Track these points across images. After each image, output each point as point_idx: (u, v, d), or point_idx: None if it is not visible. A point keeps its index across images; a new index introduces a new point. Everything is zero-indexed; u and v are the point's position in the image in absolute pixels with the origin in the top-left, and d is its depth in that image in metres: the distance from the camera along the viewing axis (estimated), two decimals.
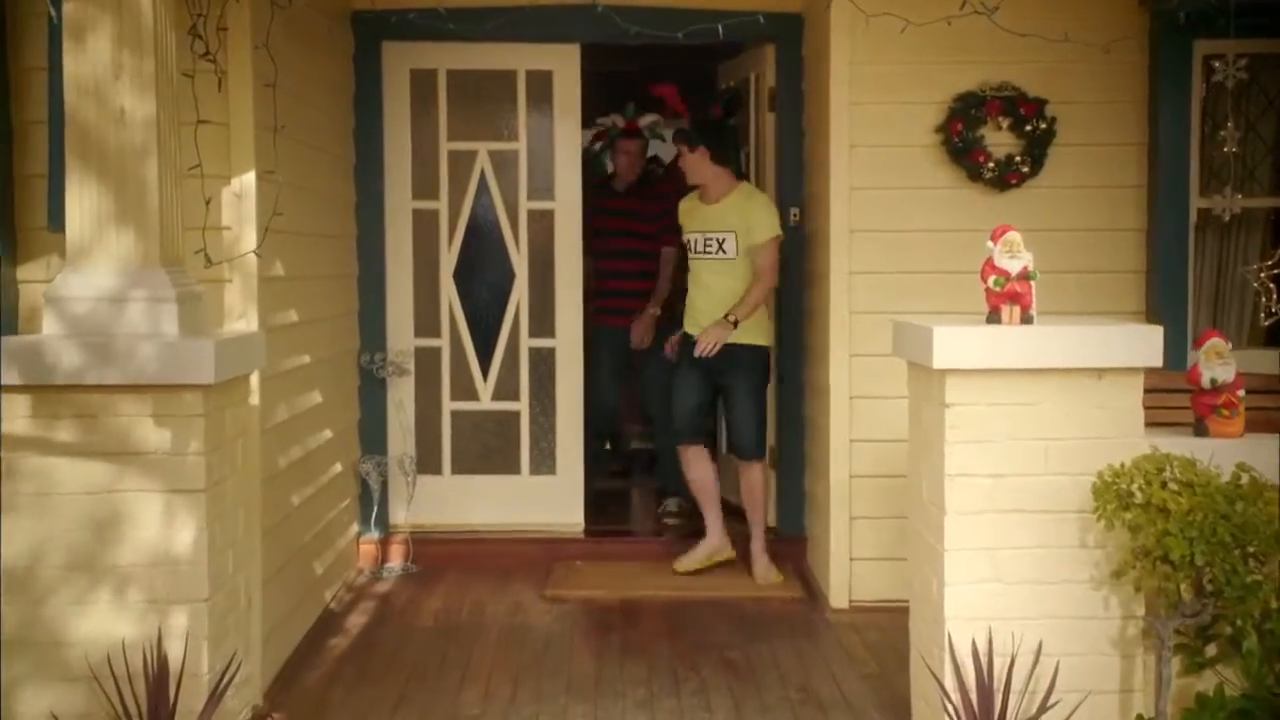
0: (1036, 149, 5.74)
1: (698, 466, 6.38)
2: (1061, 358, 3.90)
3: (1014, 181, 5.75)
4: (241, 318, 4.70)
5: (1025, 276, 4.01)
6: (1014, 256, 4.01)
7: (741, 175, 6.47)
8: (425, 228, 6.80)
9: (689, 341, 6.22)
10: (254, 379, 4.63)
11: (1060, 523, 3.93)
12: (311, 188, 5.70)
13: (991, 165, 5.72)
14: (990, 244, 4.05)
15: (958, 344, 3.91)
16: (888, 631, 5.50)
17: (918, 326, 4.06)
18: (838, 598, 5.89)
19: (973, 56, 5.75)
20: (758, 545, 6.32)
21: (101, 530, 3.84)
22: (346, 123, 6.50)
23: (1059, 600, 3.93)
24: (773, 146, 6.76)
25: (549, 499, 6.90)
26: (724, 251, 6.13)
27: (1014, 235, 4.04)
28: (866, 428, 5.85)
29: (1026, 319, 4.00)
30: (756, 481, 6.30)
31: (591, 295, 7.22)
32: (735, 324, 6.04)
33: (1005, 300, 4.01)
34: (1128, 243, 5.83)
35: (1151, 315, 5.71)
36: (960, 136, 5.73)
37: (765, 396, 6.38)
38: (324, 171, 5.96)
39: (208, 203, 4.20)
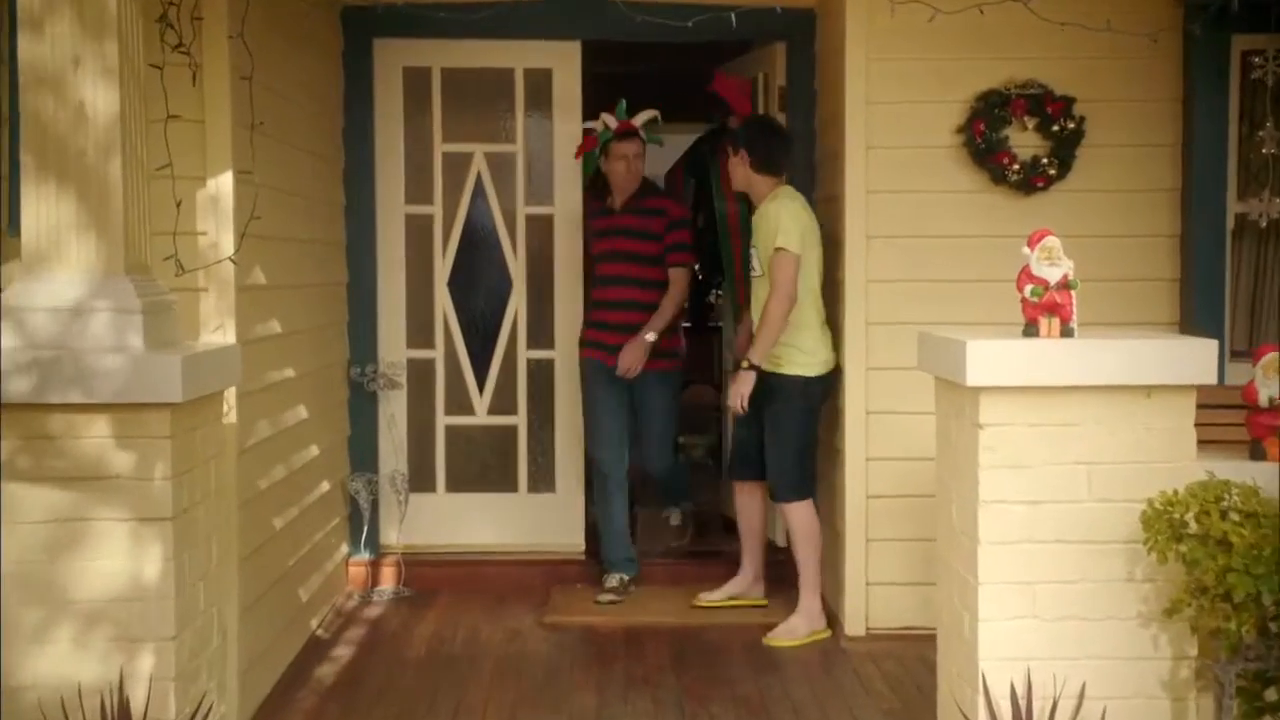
0: (1064, 150, 5.45)
1: (739, 502, 5.95)
2: (1106, 374, 3.61)
3: (1040, 185, 5.47)
4: (218, 329, 4.40)
5: (1065, 285, 3.72)
6: (1053, 263, 3.71)
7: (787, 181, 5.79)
8: (418, 233, 6.56)
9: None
10: (231, 395, 4.33)
11: (1105, 554, 3.63)
12: (297, 190, 5.41)
13: (1016, 167, 5.44)
14: (1027, 250, 3.75)
15: (993, 359, 3.62)
16: (907, 662, 5.23)
17: (948, 339, 3.76)
18: (854, 625, 5.58)
19: (996, 52, 5.48)
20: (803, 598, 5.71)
21: (60, 562, 3.52)
22: (336, 123, 6.24)
23: (1104, 639, 3.63)
24: None
25: (548, 519, 6.63)
26: (755, 269, 5.66)
27: (1053, 240, 3.74)
28: (884, 445, 5.55)
29: (1066, 331, 3.71)
30: (794, 527, 5.67)
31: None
32: (751, 367, 5.43)
33: (1043, 311, 3.72)
34: (1160, 249, 5.55)
35: (1186, 326, 5.43)
36: (983, 137, 5.44)
37: (805, 433, 5.60)
38: (311, 174, 5.68)
39: (178, 205, 3.89)
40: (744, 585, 6.00)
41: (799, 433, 5.58)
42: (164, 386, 3.49)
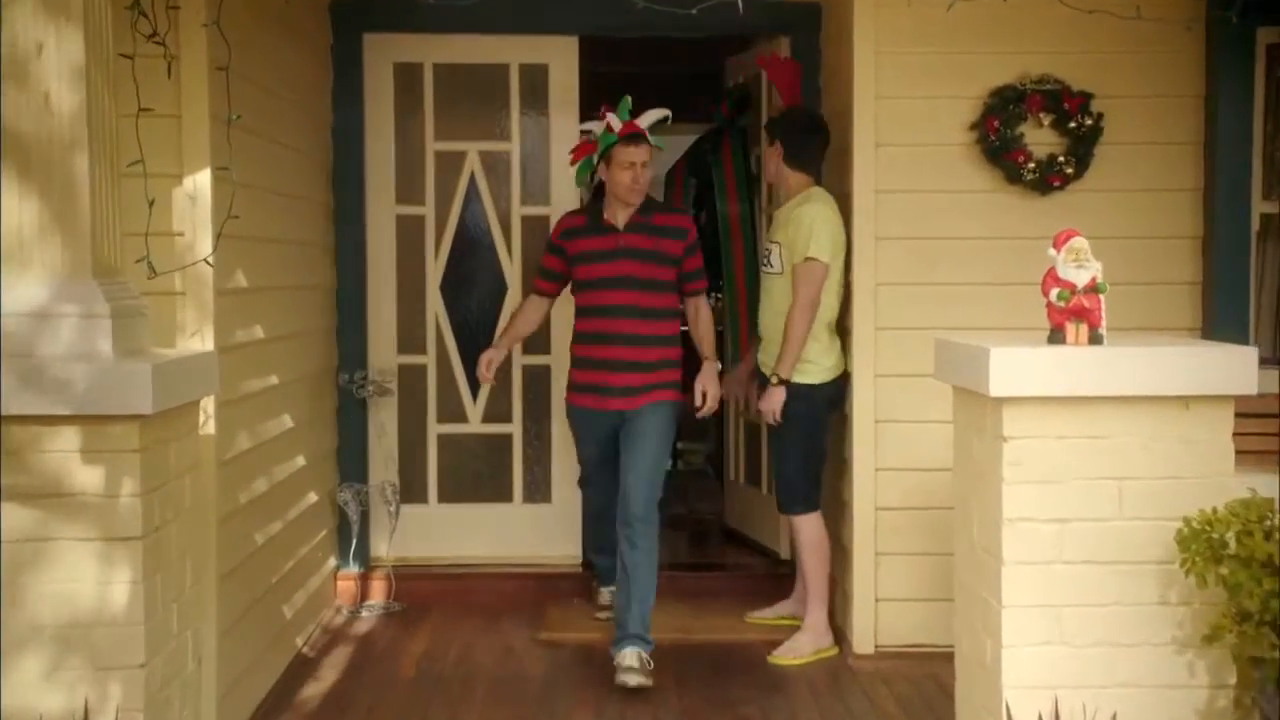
0: (1081, 148, 5.24)
1: (798, 532, 5.52)
2: (1139, 383, 3.40)
3: (1057, 184, 5.26)
4: (195, 335, 4.18)
5: (1094, 289, 3.51)
6: (1080, 265, 3.51)
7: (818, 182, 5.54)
8: (410, 235, 6.36)
9: (762, 380, 5.51)
10: (208, 405, 4.10)
11: (1137, 576, 3.42)
12: (282, 190, 5.19)
13: (1032, 166, 5.23)
14: (1053, 251, 3.55)
15: (1018, 367, 3.40)
16: (919, 683, 5.02)
17: (970, 346, 3.54)
18: (862, 643, 5.36)
19: (1011, 46, 5.27)
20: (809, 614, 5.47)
21: (21, 585, 3.29)
22: (324, 121, 6.03)
23: (1136, 666, 3.42)
24: None
25: (543, 530, 6.42)
26: (770, 265, 5.48)
27: (1080, 241, 3.53)
28: (894, 456, 5.34)
29: (1095, 338, 3.51)
30: (801, 540, 5.45)
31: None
32: (781, 381, 5.26)
33: (1070, 316, 3.52)
34: (1182, 251, 5.33)
35: (1208, 331, 5.23)
36: (997, 134, 5.23)
37: (811, 442, 5.38)
38: (297, 173, 5.46)
39: (151, 204, 3.65)
40: (798, 605, 5.69)
41: (805, 442, 5.37)
42: (133, 397, 3.28)
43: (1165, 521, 3.37)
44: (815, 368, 5.33)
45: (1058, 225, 4.92)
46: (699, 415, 5.46)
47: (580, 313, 5.45)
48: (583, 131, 5.51)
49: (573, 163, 5.51)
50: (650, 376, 5.30)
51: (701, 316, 5.52)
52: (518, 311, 5.77)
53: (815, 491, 5.43)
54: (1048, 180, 5.24)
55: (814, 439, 5.41)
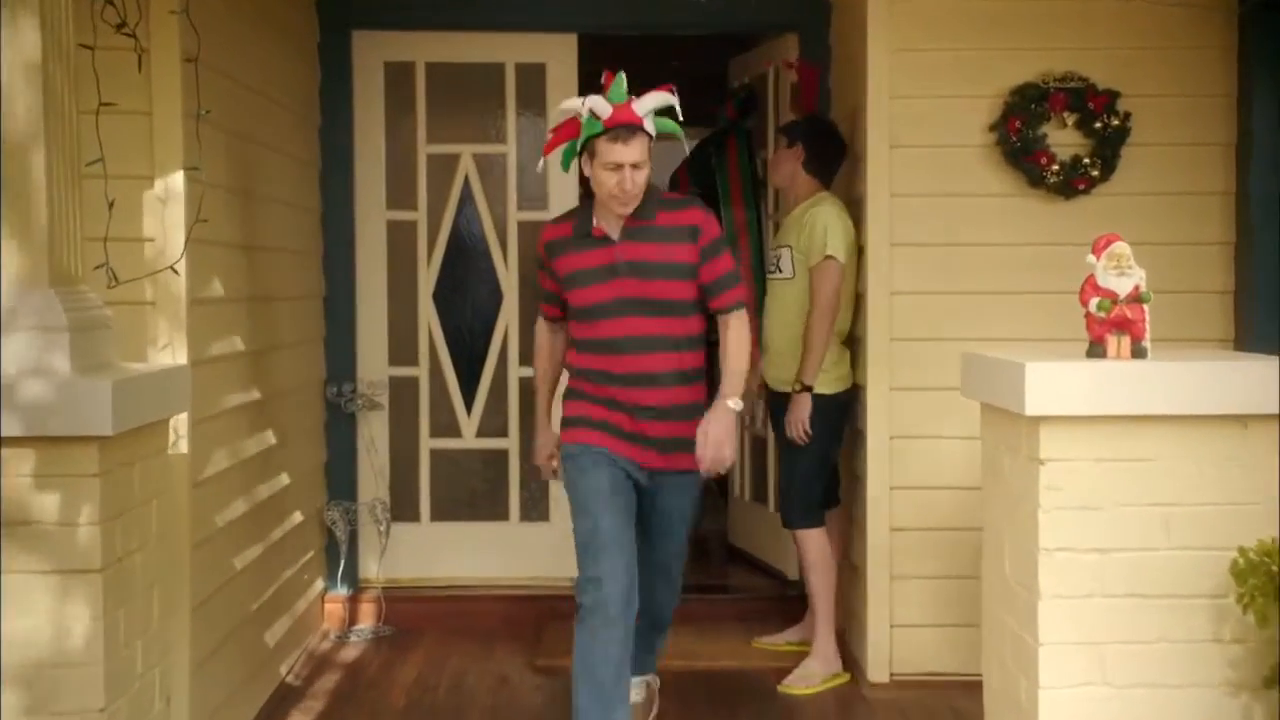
0: (1108, 149, 5.00)
1: (803, 550, 5.23)
2: (1189, 402, 3.14)
3: (1081, 187, 5.01)
4: (167, 348, 3.91)
5: (1137, 298, 3.25)
6: (1122, 273, 3.26)
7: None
8: (401, 241, 6.14)
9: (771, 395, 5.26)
10: (180, 423, 3.83)
11: (1187, 611, 3.16)
12: (264, 193, 4.94)
13: (1055, 168, 4.98)
14: (1091, 258, 3.31)
15: (1056, 384, 3.14)
16: (937, 714, 4.79)
17: (1002, 361, 3.28)
18: (876, 671, 5.09)
19: (1033, 41, 5.03)
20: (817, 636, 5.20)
21: None
22: (311, 121, 5.80)
23: (1186, 710, 3.16)
24: None
25: (541, 550, 6.17)
26: (780, 270, 5.23)
27: (1122, 246, 3.29)
28: (909, 473, 5.09)
29: (1139, 352, 3.25)
30: (807, 558, 5.15)
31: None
32: (805, 389, 4.98)
33: (1111, 328, 3.26)
34: (1213, 258, 5.08)
35: (1242, 342, 4.98)
36: (1018, 135, 4.99)
37: (818, 454, 5.11)
38: (281, 175, 5.21)
39: (111, 205, 3.39)
40: (809, 631, 5.40)
41: (819, 454, 5.12)
42: (91, 416, 3.01)
43: (1218, 552, 3.12)
44: (828, 376, 5.09)
45: (1082, 231, 4.80)
46: (701, 471, 4.11)
47: (578, 346, 4.22)
48: (562, 110, 4.12)
49: (547, 150, 4.21)
50: (673, 428, 4.13)
51: (731, 339, 4.13)
52: (538, 355, 4.55)
53: (820, 507, 5.19)
54: (1072, 183, 5.00)
55: (828, 451, 5.17)
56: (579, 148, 4.06)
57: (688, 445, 4.05)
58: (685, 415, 4.12)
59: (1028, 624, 3.22)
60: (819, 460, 5.15)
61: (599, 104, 3.96)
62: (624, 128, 3.95)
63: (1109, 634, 3.17)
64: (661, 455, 4.16)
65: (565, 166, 4.20)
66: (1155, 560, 3.16)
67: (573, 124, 4.06)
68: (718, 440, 4.00)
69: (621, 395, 4.12)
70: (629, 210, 4.06)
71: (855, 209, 5.18)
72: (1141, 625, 3.16)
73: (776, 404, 5.20)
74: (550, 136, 4.18)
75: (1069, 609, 3.16)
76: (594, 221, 4.13)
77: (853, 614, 5.36)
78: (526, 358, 6.07)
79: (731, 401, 4.05)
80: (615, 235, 4.11)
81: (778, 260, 5.23)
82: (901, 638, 5.11)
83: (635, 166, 3.97)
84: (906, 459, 5.09)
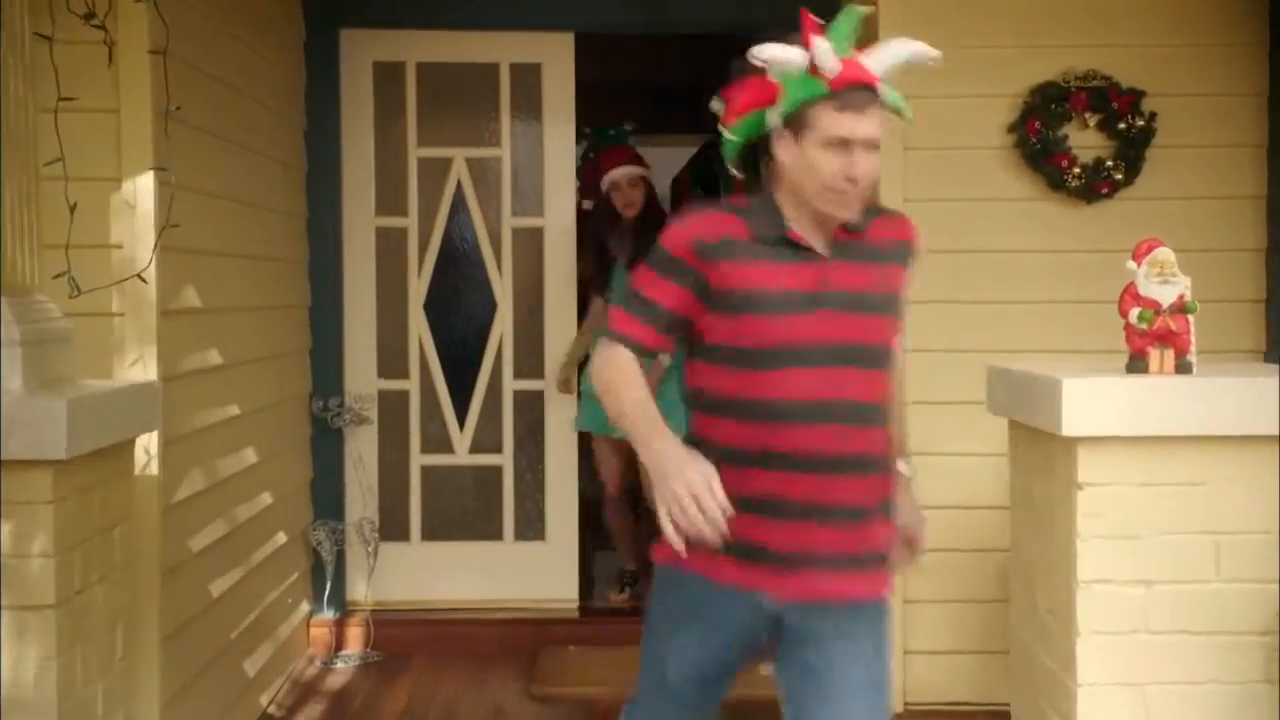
0: (1132, 151, 4.85)
1: None
2: (1240, 421, 3.01)
3: (1104, 191, 4.87)
4: (136, 362, 3.67)
5: (1181, 309, 3.05)
6: (1166, 281, 3.09)
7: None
8: (391, 249, 5.99)
9: None
10: (151, 443, 3.60)
11: (1238, 649, 3.04)
12: (246, 198, 4.74)
13: (1077, 171, 4.85)
14: (1132, 264, 3.15)
15: (1096, 401, 2.98)
16: None
17: (1035, 376, 3.09)
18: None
19: (1053, 39, 4.89)
20: None
21: None
22: (296, 123, 5.60)
23: None
24: None
25: (537, 570, 6.03)
26: None
27: (1165, 253, 3.11)
28: (926, 492, 4.70)
29: (1184, 366, 3.05)
30: None
31: None
32: None
33: (1154, 341, 3.08)
34: (1242, 265, 4.92)
35: (1274, 354, 4.82)
36: (1038, 136, 4.85)
37: None
38: (263, 179, 5.01)
39: (73, 209, 3.18)
40: None
41: None
42: (44, 438, 2.81)
43: (1271, 585, 2.98)
44: None
45: (1105, 237, 4.65)
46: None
47: (710, 407, 2.74)
48: (750, 60, 2.67)
49: (729, 118, 2.76)
50: (867, 537, 2.73)
51: (901, 379, 2.96)
52: (625, 386, 2.69)
53: None
54: (1094, 187, 4.86)
55: None
56: (783, 117, 2.64)
57: (881, 564, 2.79)
58: (877, 515, 2.76)
59: (1064, 662, 3.03)
60: None
61: (825, 53, 2.59)
62: (859, 88, 2.64)
63: (1153, 674, 3.04)
64: (852, 577, 2.72)
65: (732, 152, 2.79)
66: (1204, 594, 3.04)
67: (762, 85, 2.69)
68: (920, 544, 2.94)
69: (802, 488, 2.65)
70: (850, 214, 2.67)
71: None
72: (1189, 665, 3.04)
73: None
74: (727, 104, 2.78)
75: (1110, 647, 3.04)
76: (788, 225, 2.70)
77: None
78: (521, 370, 6.02)
79: (907, 468, 2.96)
80: (823, 250, 2.70)
81: None
82: (916, 665, 4.95)
83: (868, 147, 2.64)
84: (922, 476, 4.85)
